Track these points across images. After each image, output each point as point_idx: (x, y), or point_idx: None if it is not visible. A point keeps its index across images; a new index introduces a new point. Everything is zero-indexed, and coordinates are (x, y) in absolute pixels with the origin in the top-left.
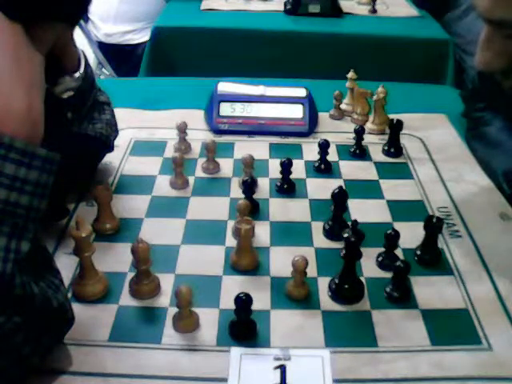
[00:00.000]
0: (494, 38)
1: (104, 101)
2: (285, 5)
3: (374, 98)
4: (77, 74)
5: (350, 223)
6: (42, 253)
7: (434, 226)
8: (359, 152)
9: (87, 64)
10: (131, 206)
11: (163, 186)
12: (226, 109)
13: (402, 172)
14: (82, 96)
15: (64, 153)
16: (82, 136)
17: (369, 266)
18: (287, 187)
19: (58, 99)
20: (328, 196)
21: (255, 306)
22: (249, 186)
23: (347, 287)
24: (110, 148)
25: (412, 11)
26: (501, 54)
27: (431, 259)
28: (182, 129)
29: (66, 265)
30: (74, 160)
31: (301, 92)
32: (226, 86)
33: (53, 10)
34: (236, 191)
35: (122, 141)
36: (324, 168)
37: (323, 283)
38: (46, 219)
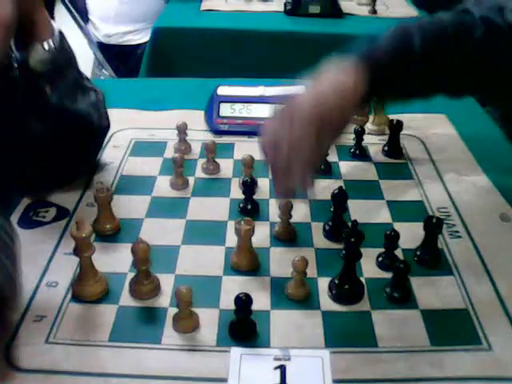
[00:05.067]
0: None
1: (90, 87)
2: (285, 5)
3: None
4: (49, 42)
5: (349, 223)
6: None
7: (433, 227)
8: (359, 152)
9: (64, 39)
10: (131, 206)
11: (163, 186)
12: (225, 109)
13: (402, 172)
14: (59, 70)
15: (44, 125)
16: (61, 110)
17: (369, 266)
18: None
19: (34, 72)
20: (328, 196)
21: (255, 306)
22: (249, 187)
23: (347, 287)
24: (105, 128)
25: (412, 12)
26: None
27: (431, 259)
28: (182, 129)
29: (65, 265)
30: (57, 136)
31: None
32: (225, 90)
33: None
34: (236, 192)
35: (122, 141)
36: (324, 168)
37: (323, 283)
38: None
